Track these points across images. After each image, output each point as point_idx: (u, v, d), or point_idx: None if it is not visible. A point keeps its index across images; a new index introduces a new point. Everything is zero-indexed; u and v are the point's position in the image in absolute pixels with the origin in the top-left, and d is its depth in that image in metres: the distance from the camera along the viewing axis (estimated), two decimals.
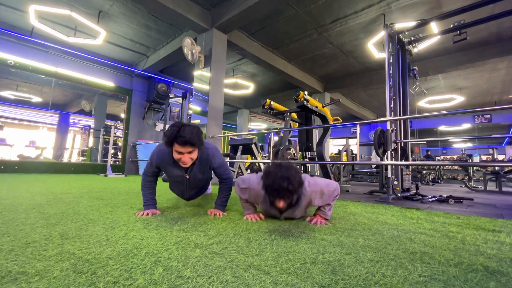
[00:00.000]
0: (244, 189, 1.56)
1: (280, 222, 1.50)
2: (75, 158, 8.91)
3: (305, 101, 3.65)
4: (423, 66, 6.21)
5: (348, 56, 6.44)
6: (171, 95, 7.80)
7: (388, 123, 3.16)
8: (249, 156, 5.26)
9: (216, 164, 1.68)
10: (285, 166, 1.30)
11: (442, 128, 13.04)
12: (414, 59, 5.77)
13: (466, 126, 11.81)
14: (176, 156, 1.46)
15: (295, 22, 5.06)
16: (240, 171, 4.71)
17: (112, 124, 7.77)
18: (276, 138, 4.90)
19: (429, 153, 12.05)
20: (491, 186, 5.94)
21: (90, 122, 8.79)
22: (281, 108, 4.11)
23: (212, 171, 1.77)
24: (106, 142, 7.56)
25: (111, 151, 6.44)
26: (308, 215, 1.65)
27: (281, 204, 1.30)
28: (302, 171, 4.39)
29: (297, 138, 6.40)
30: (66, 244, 0.98)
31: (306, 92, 3.66)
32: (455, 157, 16.05)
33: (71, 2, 4.70)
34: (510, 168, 4.96)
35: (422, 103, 9.30)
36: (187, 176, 1.67)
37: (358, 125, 3.13)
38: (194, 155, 1.49)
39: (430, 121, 12.34)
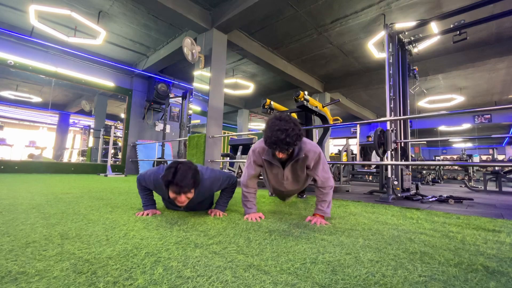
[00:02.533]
0: (249, 162, 1.63)
1: (280, 223, 1.50)
2: (75, 158, 8.92)
3: (305, 101, 3.65)
4: (423, 66, 6.20)
5: (348, 56, 6.44)
6: (171, 95, 7.80)
7: (388, 123, 3.16)
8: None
9: (216, 188, 1.67)
10: (284, 119, 1.34)
11: (442, 128, 13.04)
12: (414, 59, 5.77)
13: (466, 126, 11.81)
14: (172, 196, 1.40)
15: (295, 22, 5.06)
16: (240, 171, 4.71)
17: (112, 124, 7.78)
18: None
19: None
20: (491, 186, 5.94)
21: (90, 122, 8.79)
22: (281, 108, 4.11)
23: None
24: (106, 142, 7.56)
25: (111, 151, 6.44)
26: (307, 214, 1.65)
27: (281, 155, 1.40)
28: None
29: None
30: (66, 244, 0.98)
31: (306, 92, 3.66)
32: (455, 157, 16.06)
33: (71, 2, 4.70)
34: (510, 168, 4.96)
35: (422, 103, 9.30)
36: (183, 208, 1.68)
37: (358, 125, 3.13)
38: (190, 195, 1.41)
39: (430, 121, 12.34)
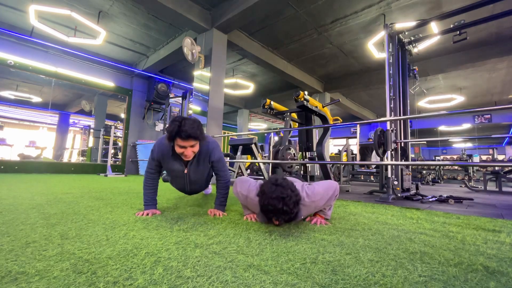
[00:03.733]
0: (243, 195, 1.56)
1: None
2: (75, 158, 8.92)
3: (305, 101, 3.65)
4: (423, 66, 6.20)
5: (348, 56, 6.44)
6: (171, 95, 7.80)
7: (388, 123, 3.16)
8: (249, 156, 5.26)
9: (215, 158, 1.69)
10: (281, 185, 1.27)
11: (442, 128, 13.04)
12: (414, 59, 5.77)
13: (466, 126, 11.81)
14: (178, 150, 1.48)
15: (295, 22, 5.06)
16: (240, 171, 4.71)
17: (112, 124, 7.78)
18: (276, 138, 4.90)
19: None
20: (491, 186, 5.94)
21: (90, 122, 8.79)
22: (281, 108, 4.11)
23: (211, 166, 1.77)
24: (106, 142, 7.55)
25: (111, 151, 6.44)
26: (308, 215, 1.65)
27: (277, 222, 1.33)
28: (301, 173, 4.40)
29: (297, 138, 6.40)
30: (66, 244, 0.98)
31: (306, 92, 3.67)
32: (455, 157, 16.06)
33: (71, 2, 4.70)
34: (510, 168, 4.96)
35: (422, 103, 9.30)
36: (187, 170, 1.69)
37: (358, 125, 3.13)
38: (196, 148, 1.51)
39: (430, 121, 12.34)
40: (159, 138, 1.65)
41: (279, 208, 1.21)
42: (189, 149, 1.47)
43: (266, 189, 1.27)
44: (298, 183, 1.44)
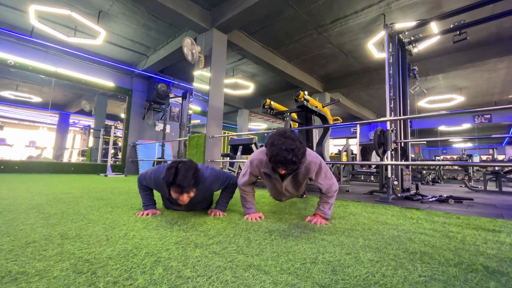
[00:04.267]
0: (246, 170, 1.60)
1: (280, 223, 1.50)
2: (75, 158, 8.92)
3: (305, 101, 3.65)
4: (423, 66, 6.20)
5: (348, 56, 6.44)
6: (171, 95, 7.80)
7: (388, 123, 3.16)
8: (249, 156, 5.25)
9: (217, 187, 1.67)
10: (290, 136, 1.32)
11: (442, 128, 13.04)
12: (414, 59, 5.77)
13: (466, 126, 11.81)
14: (173, 195, 1.41)
15: (295, 22, 5.06)
16: (240, 171, 4.71)
17: (112, 124, 7.78)
18: None
19: None
20: (491, 186, 5.93)
21: (90, 122, 8.79)
22: (281, 108, 4.11)
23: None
24: (106, 142, 7.56)
25: (111, 151, 6.44)
26: (307, 214, 1.65)
27: (283, 171, 1.38)
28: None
29: None
30: (66, 244, 0.98)
31: (306, 92, 3.67)
32: (455, 157, 16.06)
33: (71, 2, 4.70)
34: (510, 168, 4.96)
35: (422, 103, 9.30)
36: (184, 207, 1.68)
37: (358, 125, 3.13)
38: (192, 194, 1.43)
39: (430, 121, 12.34)
40: (157, 172, 1.58)
41: (289, 159, 1.27)
42: (184, 196, 1.40)
43: (275, 141, 1.32)
44: None
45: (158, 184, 1.56)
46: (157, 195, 1.79)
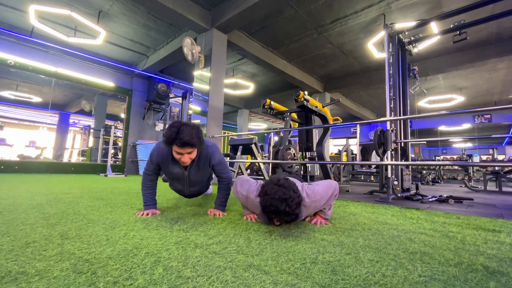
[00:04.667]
0: (243, 196, 1.56)
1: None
2: (75, 158, 8.92)
3: (305, 101, 3.65)
4: (423, 66, 6.20)
5: (348, 56, 6.44)
6: (171, 95, 7.80)
7: (388, 123, 3.16)
8: (249, 156, 5.25)
9: (215, 161, 1.68)
10: (283, 185, 1.26)
11: (442, 128, 13.05)
12: (414, 59, 5.77)
13: (466, 126, 11.82)
14: (175, 156, 1.47)
15: (295, 22, 5.06)
16: (240, 171, 4.71)
17: (112, 124, 7.78)
18: (276, 138, 4.90)
19: None
20: (491, 186, 5.93)
21: (90, 122, 8.79)
22: (281, 108, 4.11)
23: (211, 169, 1.77)
24: (106, 142, 7.55)
25: (111, 151, 6.44)
26: (308, 215, 1.65)
27: (278, 223, 1.33)
28: (301, 173, 4.40)
29: (297, 138, 6.40)
30: (66, 244, 0.98)
31: (306, 92, 3.66)
32: (455, 157, 16.06)
33: (71, 2, 4.70)
34: (510, 168, 4.95)
35: (422, 103, 9.30)
36: (186, 174, 1.68)
37: (358, 125, 3.13)
38: (194, 154, 1.50)
39: (430, 121, 12.35)
40: (158, 142, 1.64)
41: (281, 210, 1.21)
42: (186, 156, 1.45)
43: (268, 190, 1.26)
44: (298, 183, 1.43)
45: (160, 150, 1.59)
46: (158, 195, 1.79)
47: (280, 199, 1.21)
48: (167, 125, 7.79)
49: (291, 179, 1.48)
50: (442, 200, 2.91)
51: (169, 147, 1.49)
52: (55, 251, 0.90)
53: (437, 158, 15.41)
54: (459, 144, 16.76)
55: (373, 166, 6.79)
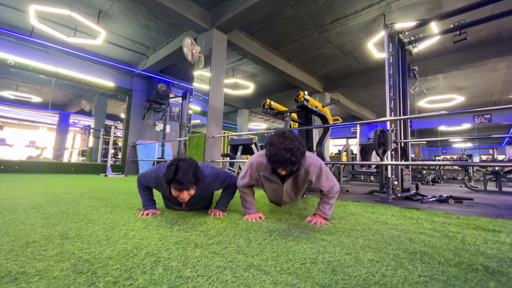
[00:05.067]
0: (246, 171, 1.58)
1: (280, 223, 1.50)
2: (75, 158, 8.91)
3: (305, 101, 3.65)
4: (423, 66, 6.20)
5: (348, 56, 6.44)
6: (171, 95, 7.80)
7: (388, 123, 3.16)
8: (249, 156, 5.25)
9: (217, 186, 1.68)
10: (288, 136, 1.31)
11: (442, 128, 13.04)
12: (414, 59, 5.76)
13: (466, 126, 11.81)
14: (173, 193, 1.42)
15: (295, 22, 5.06)
16: (240, 171, 4.71)
17: (112, 124, 7.78)
18: None
19: None
20: (491, 186, 5.93)
21: (90, 122, 8.79)
22: (281, 108, 4.11)
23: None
24: (106, 142, 7.56)
25: (111, 151, 6.44)
26: (307, 214, 1.65)
27: (283, 172, 1.36)
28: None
29: None
30: (66, 244, 0.98)
31: (306, 92, 3.66)
32: (455, 157, 16.06)
33: (71, 2, 4.70)
34: (510, 168, 4.96)
35: (422, 103, 9.30)
36: (184, 205, 1.68)
37: (358, 125, 3.13)
38: (192, 191, 1.45)
39: (430, 121, 12.34)
40: (157, 171, 1.58)
41: (287, 158, 1.26)
42: (185, 193, 1.41)
43: (274, 140, 1.31)
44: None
45: (158, 182, 1.57)
46: (157, 195, 1.79)
47: (286, 149, 1.26)
48: (167, 125, 7.85)
49: None
50: (442, 200, 2.91)
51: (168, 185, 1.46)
52: (55, 251, 0.90)
53: (437, 158, 15.42)
54: (459, 144, 16.76)
55: (373, 166, 6.79)
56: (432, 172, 8.29)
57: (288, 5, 4.47)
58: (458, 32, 3.39)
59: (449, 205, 2.71)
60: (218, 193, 1.80)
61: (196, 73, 5.03)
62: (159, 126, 8.03)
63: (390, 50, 3.39)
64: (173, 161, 1.40)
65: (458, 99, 8.78)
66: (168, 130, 8.08)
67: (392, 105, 3.26)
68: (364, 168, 7.13)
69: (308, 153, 1.50)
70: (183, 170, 1.35)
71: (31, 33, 5.62)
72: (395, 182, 3.04)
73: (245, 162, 5.07)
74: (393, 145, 3.10)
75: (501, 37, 5.29)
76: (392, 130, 3.11)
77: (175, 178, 1.33)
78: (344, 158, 5.38)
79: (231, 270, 0.79)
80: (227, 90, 8.51)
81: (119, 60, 7.18)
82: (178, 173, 1.34)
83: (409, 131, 3.72)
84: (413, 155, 13.94)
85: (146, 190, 1.68)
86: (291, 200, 1.72)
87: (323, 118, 4.16)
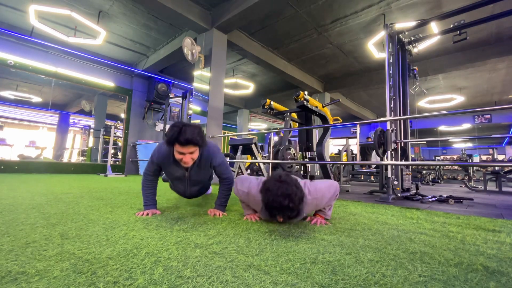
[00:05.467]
0: (244, 193, 1.55)
1: (280, 223, 1.50)
2: (75, 158, 8.92)
3: (305, 101, 3.65)
4: (423, 66, 6.20)
5: (348, 56, 6.44)
6: (171, 95, 7.80)
7: (388, 123, 3.16)
8: (249, 156, 5.26)
9: (217, 162, 1.68)
10: (285, 181, 1.25)
11: (442, 128, 13.04)
12: (414, 59, 5.77)
13: (466, 126, 11.81)
14: (177, 156, 1.46)
15: (295, 22, 5.06)
16: (240, 171, 4.71)
17: (112, 124, 7.78)
18: (276, 138, 4.90)
19: None
20: (491, 186, 5.93)
21: (90, 122, 8.79)
22: (281, 108, 4.11)
23: (213, 170, 1.76)
24: (106, 142, 7.56)
25: (111, 151, 6.44)
26: (308, 215, 1.65)
27: (281, 219, 1.30)
28: (301, 173, 4.40)
29: (297, 138, 6.40)
30: (66, 244, 0.98)
31: (306, 92, 3.66)
32: (455, 157, 16.06)
33: (71, 2, 4.70)
34: (510, 168, 4.95)
35: (422, 103, 9.30)
36: (188, 175, 1.67)
37: (358, 125, 3.13)
38: (196, 155, 1.49)
39: (430, 121, 12.34)
40: (159, 143, 1.63)
41: (284, 205, 1.20)
42: (188, 156, 1.44)
43: (271, 186, 1.25)
44: (300, 181, 1.43)
45: (163, 153, 1.59)
46: (158, 195, 1.79)
47: (283, 195, 1.20)
48: (167, 125, 7.84)
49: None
50: (442, 200, 2.91)
51: (171, 148, 1.48)
52: (55, 251, 0.90)
53: (437, 158, 15.41)
54: (459, 144, 16.76)
55: (373, 166, 6.79)
56: (432, 172, 8.29)
57: (288, 5, 4.47)
58: (458, 32, 3.39)
59: (449, 205, 2.71)
60: (215, 193, 1.80)
61: (196, 73, 5.03)
62: (159, 126, 8.03)
63: (390, 50, 3.39)
64: (176, 122, 1.43)
65: (458, 99, 8.78)
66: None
67: (392, 105, 3.26)
68: (364, 168, 7.13)
69: (306, 188, 1.41)
70: (188, 129, 1.38)
71: (31, 33, 5.62)
72: (395, 182, 3.04)
73: (245, 161, 5.02)
74: (393, 145, 3.10)
75: (501, 37, 5.29)
76: (392, 130, 3.11)
77: (179, 135, 1.36)
78: (344, 158, 5.38)
79: (231, 270, 0.79)
80: (227, 90, 8.51)
81: (119, 60, 7.18)
82: (182, 131, 1.37)
83: (409, 131, 3.72)
84: (413, 155, 13.94)
85: (150, 188, 1.67)
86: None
87: (323, 118, 4.15)
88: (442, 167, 8.42)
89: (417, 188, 3.53)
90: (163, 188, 3.06)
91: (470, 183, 6.21)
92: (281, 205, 1.20)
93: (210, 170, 1.76)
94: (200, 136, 1.42)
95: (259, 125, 15.43)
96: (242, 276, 0.76)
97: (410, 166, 3.67)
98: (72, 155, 8.91)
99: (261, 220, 1.56)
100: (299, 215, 1.31)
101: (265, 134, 15.97)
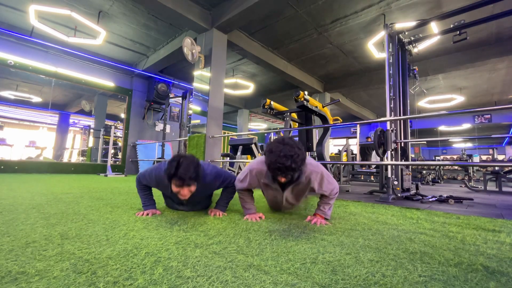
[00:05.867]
0: (245, 174, 1.57)
1: (280, 223, 1.50)
2: (75, 158, 8.91)
3: (305, 101, 3.65)
4: (423, 66, 6.20)
5: (348, 56, 6.44)
6: (171, 95, 7.80)
7: (388, 123, 3.16)
8: (249, 156, 5.26)
9: (218, 185, 1.68)
10: (288, 143, 1.30)
11: (442, 128, 13.04)
12: (414, 59, 5.77)
13: (466, 126, 11.81)
14: (174, 189, 1.42)
15: (295, 22, 5.06)
16: (240, 171, 4.72)
17: (112, 124, 7.78)
18: None
19: None
20: (491, 186, 5.93)
21: (90, 122, 8.79)
22: (281, 108, 4.11)
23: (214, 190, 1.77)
24: (106, 142, 7.56)
25: (111, 151, 6.44)
26: (307, 214, 1.65)
27: (283, 179, 1.35)
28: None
29: (297, 138, 6.40)
30: (66, 244, 0.98)
31: (306, 92, 3.67)
32: (455, 157, 16.06)
33: (71, 2, 4.70)
34: (510, 168, 4.95)
35: (422, 103, 9.29)
36: (186, 201, 1.67)
37: (358, 125, 3.13)
38: (193, 188, 1.44)
39: (430, 121, 12.34)
40: (157, 169, 1.58)
41: (287, 166, 1.25)
42: (185, 189, 1.40)
43: (274, 147, 1.30)
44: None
45: (159, 181, 1.57)
46: (157, 195, 1.79)
47: (286, 156, 1.25)
48: (167, 125, 7.84)
49: None
50: (442, 200, 2.91)
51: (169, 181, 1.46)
52: (55, 251, 0.90)
53: (437, 158, 15.41)
54: (459, 144, 16.75)
55: (373, 166, 6.79)
56: (432, 172, 8.29)
57: (288, 5, 4.47)
58: (458, 32, 3.39)
59: (449, 205, 2.71)
60: (217, 193, 1.80)
61: (196, 73, 5.03)
62: (159, 126, 8.03)
63: (390, 50, 3.39)
64: (174, 157, 1.41)
65: (458, 99, 8.78)
66: (168, 130, 8.08)
67: (392, 105, 3.26)
68: (364, 168, 7.13)
69: (308, 160, 1.48)
70: (184, 166, 1.35)
71: (31, 33, 5.62)
72: (395, 182, 3.04)
73: (245, 161, 5.05)
74: (393, 145, 3.10)
75: (501, 37, 5.29)
76: (392, 130, 3.11)
77: (177, 173, 1.34)
78: (344, 158, 5.38)
79: (231, 270, 0.79)
80: (227, 90, 8.51)
81: (119, 60, 7.18)
82: (179, 169, 1.34)
83: (409, 131, 3.72)
84: (413, 155, 13.94)
85: (146, 190, 1.68)
86: (291, 206, 1.73)
87: (323, 118, 4.16)
88: (442, 167, 8.42)
89: (417, 188, 3.53)
90: None
91: (470, 183, 6.21)
92: (284, 165, 1.25)
93: (211, 191, 1.77)
94: (196, 173, 1.39)
95: (259, 125, 15.43)
96: (242, 276, 0.76)
97: (410, 166, 3.67)
98: (72, 155, 8.91)
99: (261, 220, 1.56)
100: (299, 177, 1.39)
101: (265, 134, 15.97)
